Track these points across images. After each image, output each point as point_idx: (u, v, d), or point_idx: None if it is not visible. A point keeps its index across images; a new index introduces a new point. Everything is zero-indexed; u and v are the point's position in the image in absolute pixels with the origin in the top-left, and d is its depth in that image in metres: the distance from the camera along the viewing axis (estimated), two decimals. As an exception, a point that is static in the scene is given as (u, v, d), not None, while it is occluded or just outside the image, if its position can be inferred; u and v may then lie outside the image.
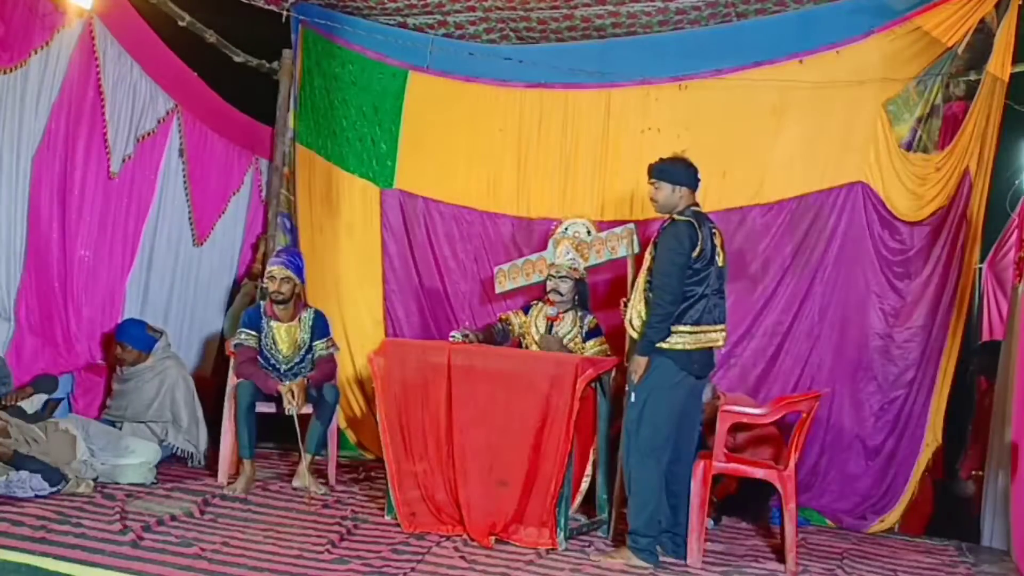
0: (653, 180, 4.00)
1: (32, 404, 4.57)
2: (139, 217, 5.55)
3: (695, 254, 3.79)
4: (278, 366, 4.93)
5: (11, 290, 4.69)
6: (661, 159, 4.02)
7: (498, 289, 5.57)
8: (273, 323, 4.94)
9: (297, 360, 4.95)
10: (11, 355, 4.65)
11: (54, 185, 4.90)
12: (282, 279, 4.89)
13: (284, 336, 4.94)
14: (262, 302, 5.09)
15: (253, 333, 4.93)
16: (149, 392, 5.12)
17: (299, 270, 4.99)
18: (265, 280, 5.00)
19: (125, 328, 5.23)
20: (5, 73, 4.51)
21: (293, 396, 4.69)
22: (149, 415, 5.08)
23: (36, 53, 4.65)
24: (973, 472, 5.00)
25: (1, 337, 4.64)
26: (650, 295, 3.87)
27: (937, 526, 5.01)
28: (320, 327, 5.02)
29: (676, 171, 3.97)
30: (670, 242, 3.82)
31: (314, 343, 4.99)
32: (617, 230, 5.16)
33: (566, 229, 5.34)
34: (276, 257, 5.08)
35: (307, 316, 5.01)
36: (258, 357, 4.92)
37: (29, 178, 4.75)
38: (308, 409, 4.86)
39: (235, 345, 4.95)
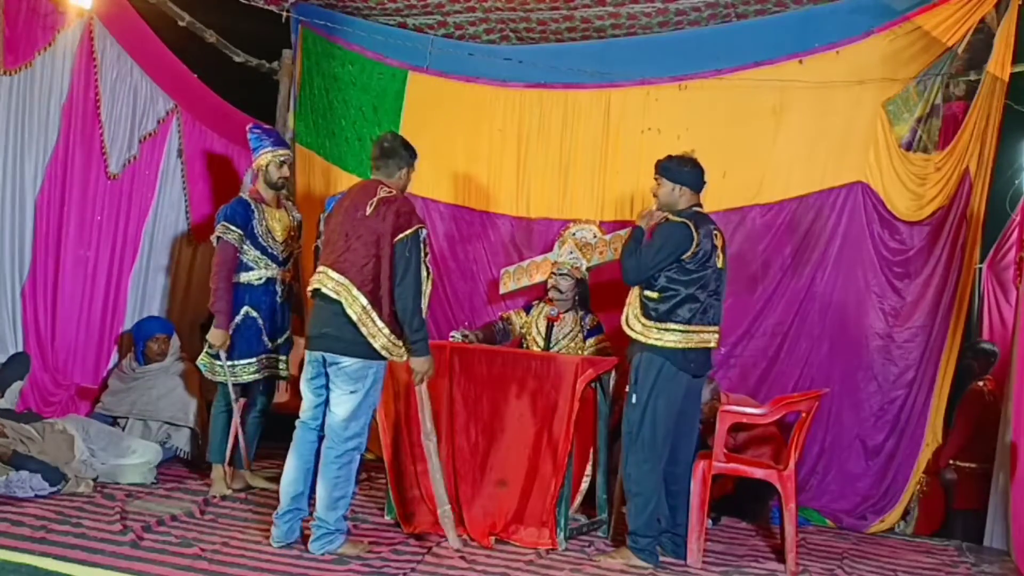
0: (657, 176, 4.03)
1: (11, 396, 4.53)
2: (140, 218, 5.56)
3: (686, 256, 3.81)
4: (275, 254, 4.69)
5: (15, 297, 4.73)
6: (669, 156, 4.04)
7: (502, 290, 5.54)
8: (267, 208, 4.68)
9: (291, 241, 4.81)
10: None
11: (60, 188, 4.92)
12: (290, 164, 4.79)
13: (279, 220, 4.73)
14: (243, 195, 4.72)
15: (237, 230, 4.54)
16: (160, 390, 5.12)
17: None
18: (270, 168, 4.65)
19: (153, 323, 5.35)
20: (11, 74, 4.52)
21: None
22: (158, 414, 5.07)
23: (40, 55, 4.66)
24: (950, 462, 4.98)
25: (9, 345, 4.68)
26: (645, 292, 3.89)
27: (948, 527, 5.00)
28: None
29: (680, 171, 3.99)
30: (657, 239, 3.87)
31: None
32: (622, 232, 5.15)
33: (575, 233, 5.32)
34: (268, 137, 4.73)
35: (289, 205, 4.95)
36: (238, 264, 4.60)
37: (40, 183, 4.77)
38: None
39: (217, 239, 4.54)
